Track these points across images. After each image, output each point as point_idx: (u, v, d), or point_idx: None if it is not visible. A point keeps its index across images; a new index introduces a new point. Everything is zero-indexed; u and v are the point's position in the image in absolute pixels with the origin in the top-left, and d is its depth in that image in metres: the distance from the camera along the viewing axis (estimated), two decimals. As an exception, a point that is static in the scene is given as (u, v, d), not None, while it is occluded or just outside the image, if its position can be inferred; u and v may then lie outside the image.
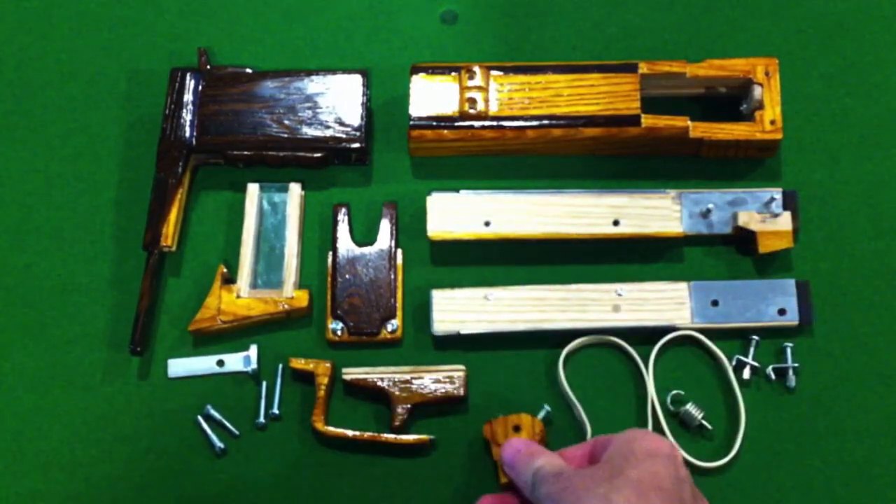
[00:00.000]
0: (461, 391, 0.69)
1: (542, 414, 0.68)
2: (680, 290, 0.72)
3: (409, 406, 0.69)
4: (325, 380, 0.69)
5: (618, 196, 0.73)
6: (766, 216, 0.72)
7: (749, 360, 0.71)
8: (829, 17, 0.81)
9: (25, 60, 0.81)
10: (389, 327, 0.72)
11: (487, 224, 0.73)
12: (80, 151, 0.78)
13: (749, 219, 0.72)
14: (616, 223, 0.73)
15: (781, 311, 0.71)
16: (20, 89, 0.80)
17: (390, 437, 0.69)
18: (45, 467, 0.69)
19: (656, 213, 0.73)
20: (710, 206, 0.73)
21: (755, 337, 0.71)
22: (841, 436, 0.70)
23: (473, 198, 0.74)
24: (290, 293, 0.72)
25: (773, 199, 0.73)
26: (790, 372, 0.71)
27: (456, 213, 0.73)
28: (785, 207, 0.73)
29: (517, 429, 0.67)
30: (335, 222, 0.74)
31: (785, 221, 0.73)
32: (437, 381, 0.70)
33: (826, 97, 0.79)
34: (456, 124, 0.75)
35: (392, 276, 0.73)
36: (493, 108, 0.75)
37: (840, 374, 0.71)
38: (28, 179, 0.77)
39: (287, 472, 0.69)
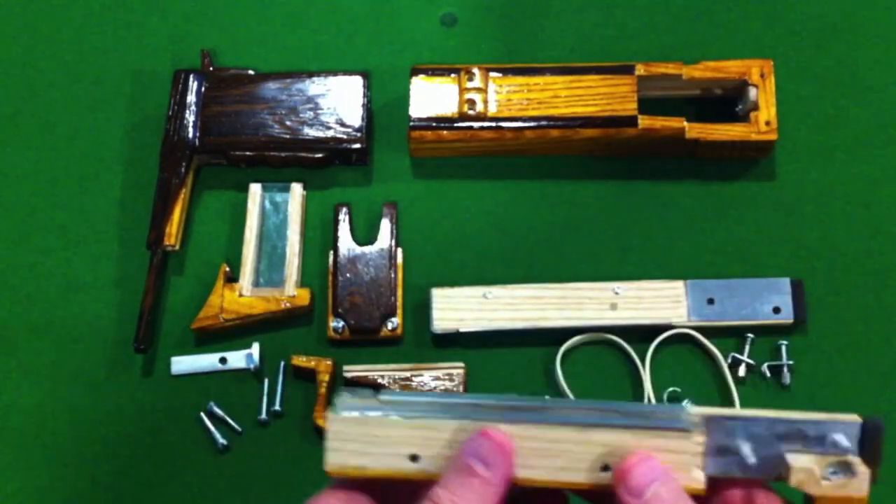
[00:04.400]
0: (460, 388, 0.70)
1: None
2: (676, 288, 0.72)
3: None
4: (327, 377, 0.70)
5: (618, 432, 0.45)
6: (830, 468, 0.45)
7: (744, 357, 0.71)
8: (823, 20, 0.82)
9: (31, 62, 0.81)
10: (390, 325, 0.72)
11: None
12: (84, 152, 0.79)
13: (807, 476, 0.44)
14: (606, 468, 0.46)
15: (776, 310, 0.72)
16: (26, 91, 0.80)
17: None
18: (49, 463, 0.70)
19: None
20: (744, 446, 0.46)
21: (750, 335, 0.72)
22: (835, 432, 0.70)
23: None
24: (292, 292, 0.73)
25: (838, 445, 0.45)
26: (785, 369, 0.71)
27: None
28: (862, 449, 0.45)
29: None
30: (336, 222, 0.75)
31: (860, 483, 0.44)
32: (437, 378, 0.70)
33: (820, 98, 0.79)
34: (455, 125, 0.76)
35: (392, 275, 0.73)
36: (492, 110, 0.76)
37: (834, 372, 0.72)
38: (33, 179, 0.78)
39: (289, 468, 0.70)
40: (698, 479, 0.44)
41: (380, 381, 0.70)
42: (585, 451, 0.44)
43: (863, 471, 0.44)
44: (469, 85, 0.76)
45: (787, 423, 0.44)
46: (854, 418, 0.44)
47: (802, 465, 0.44)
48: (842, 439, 0.44)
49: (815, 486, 0.44)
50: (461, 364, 0.71)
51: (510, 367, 0.72)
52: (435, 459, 0.44)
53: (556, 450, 0.44)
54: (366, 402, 0.44)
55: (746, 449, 0.44)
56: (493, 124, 0.75)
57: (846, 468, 0.44)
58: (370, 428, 0.44)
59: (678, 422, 0.44)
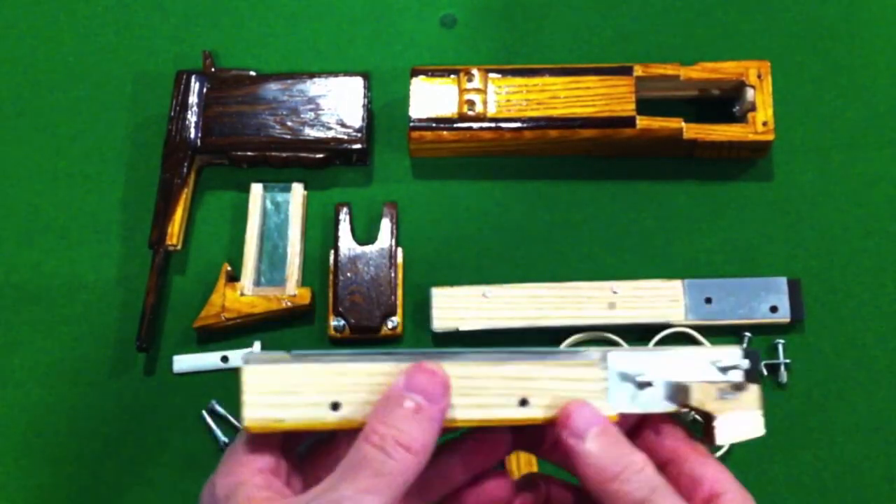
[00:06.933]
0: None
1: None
2: (674, 287, 0.73)
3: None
4: (327, 375, 0.70)
5: (527, 364, 0.47)
6: (724, 389, 0.49)
7: (741, 356, 0.72)
8: (820, 21, 0.82)
9: (34, 64, 0.82)
10: (390, 324, 0.73)
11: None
12: (87, 152, 0.79)
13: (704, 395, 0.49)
14: (524, 402, 0.48)
15: (773, 309, 0.72)
16: (29, 92, 0.81)
17: (391, 431, 0.70)
18: (51, 461, 0.70)
19: None
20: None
21: (747, 334, 0.72)
22: (832, 431, 0.71)
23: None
24: (293, 291, 0.73)
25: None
26: (782, 368, 0.72)
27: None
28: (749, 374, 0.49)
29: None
30: (337, 221, 0.75)
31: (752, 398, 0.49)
32: (437, 376, 0.70)
33: (817, 99, 0.80)
34: (455, 126, 0.76)
35: (392, 274, 0.74)
36: (492, 110, 0.76)
37: (831, 370, 0.72)
38: (37, 179, 0.78)
39: (290, 465, 0.70)
40: (606, 408, 0.47)
41: (380, 379, 0.70)
42: (500, 386, 0.46)
43: (754, 388, 0.49)
44: (468, 86, 0.76)
45: (682, 355, 0.49)
46: (734, 347, 0.49)
47: (700, 385, 0.48)
48: (731, 362, 0.49)
49: (712, 403, 0.48)
50: (461, 362, 0.71)
51: (509, 365, 0.72)
52: (358, 406, 0.43)
53: (472, 386, 0.45)
54: (278, 357, 0.44)
55: (647, 380, 0.48)
56: (493, 125, 0.76)
57: (737, 387, 0.48)
58: (287, 377, 0.43)
59: (582, 356, 0.47)
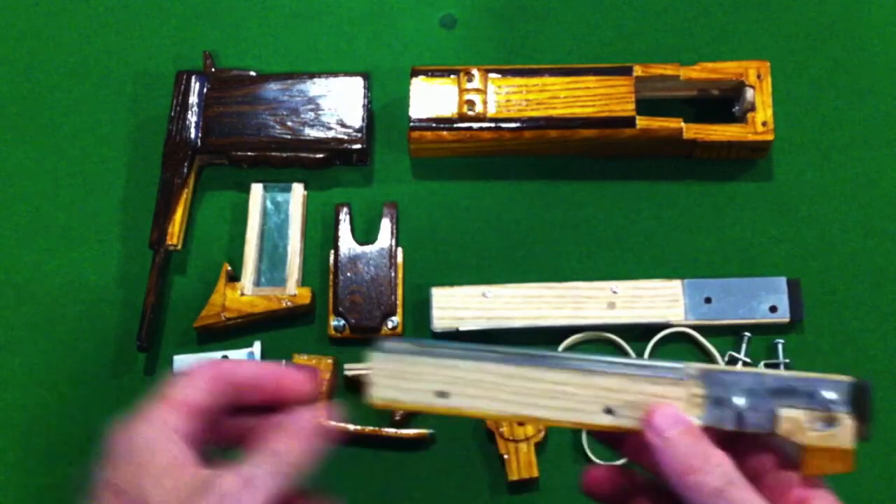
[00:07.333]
0: (460, 386, 0.70)
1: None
2: (674, 287, 0.73)
3: (409, 401, 0.70)
4: (328, 375, 0.70)
5: (616, 379, 0.49)
6: (817, 421, 0.47)
7: (741, 356, 0.72)
8: (819, 21, 0.82)
9: (35, 64, 0.82)
10: (390, 324, 0.73)
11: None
12: (87, 152, 0.79)
13: (793, 426, 0.47)
14: (609, 411, 0.49)
15: (773, 309, 0.72)
16: (30, 92, 0.81)
17: (391, 431, 0.70)
18: (52, 462, 0.70)
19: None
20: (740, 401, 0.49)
21: (747, 333, 0.72)
22: (831, 430, 0.71)
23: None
24: (293, 291, 0.73)
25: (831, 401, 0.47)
26: (781, 368, 0.72)
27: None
28: (854, 406, 0.47)
29: (521, 422, 0.68)
30: (337, 221, 0.75)
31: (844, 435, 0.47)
32: (437, 376, 0.71)
33: (817, 99, 0.80)
34: (455, 126, 0.76)
35: (392, 274, 0.74)
36: (491, 110, 0.76)
37: (830, 370, 0.71)
38: (37, 179, 0.78)
39: (290, 465, 0.70)
40: (694, 422, 0.48)
41: (380, 379, 0.70)
42: (588, 394, 0.49)
43: (848, 423, 0.46)
44: (468, 86, 0.77)
45: (780, 379, 0.48)
46: (844, 378, 0.47)
47: (791, 415, 0.47)
48: (830, 395, 0.47)
49: (801, 435, 0.47)
50: (461, 362, 0.71)
51: (509, 365, 0.72)
52: (459, 397, 0.49)
53: (561, 392, 0.49)
54: (404, 345, 0.50)
55: (740, 402, 0.47)
56: (493, 125, 0.76)
57: (832, 421, 0.47)
58: (405, 366, 0.50)
59: (675, 372, 0.48)
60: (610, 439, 0.53)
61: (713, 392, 0.48)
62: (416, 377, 0.50)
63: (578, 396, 0.49)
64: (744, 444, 0.49)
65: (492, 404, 0.49)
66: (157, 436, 0.46)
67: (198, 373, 0.49)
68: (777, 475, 0.48)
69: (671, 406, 0.48)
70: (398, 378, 0.50)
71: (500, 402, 0.49)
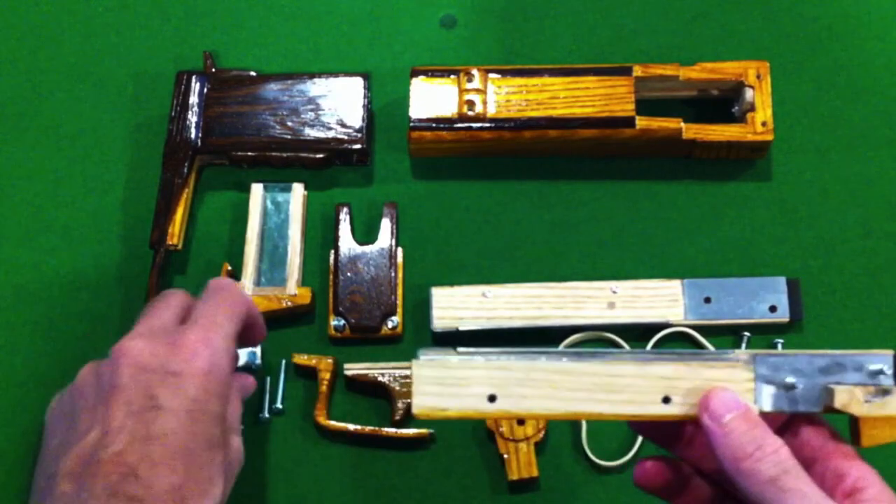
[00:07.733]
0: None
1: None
2: (673, 287, 0.73)
3: (409, 400, 0.70)
4: (328, 375, 0.71)
5: (674, 364, 0.50)
6: (871, 392, 0.50)
7: (741, 355, 0.72)
8: (819, 22, 0.82)
9: (35, 64, 0.82)
10: (390, 324, 0.73)
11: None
12: (88, 152, 0.79)
13: (849, 398, 0.50)
14: (667, 400, 0.50)
15: (772, 308, 0.73)
16: (30, 92, 0.81)
17: (391, 430, 0.70)
18: (53, 461, 0.71)
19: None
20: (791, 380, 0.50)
21: (746, 333, 0.72)
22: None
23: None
24: (293, 290, 0.73)
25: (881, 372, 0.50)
26: (781, 367, 0.72)
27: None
28: None
29: (521, 422, 0.68)
30: (337, 222, 0.75)
31: None
32: (437, 376, 0.71)
33: (816, 99, 0.80)
34: (455, 126, 0.76)
35: (392, 274, 0.74)
36: (491, 111, 0.76)
37: (829, 370, 0.73)
38: (38, 179, 0.78)
39: (290, 464, 0.70)
40: (751, 407, 0.49)
41: (380, 378, 0.70)
42: (646, 385, 0.49)
43: None
44: (468, 86, 0.77)
45: (828, 357, 0.50)
46: (888, 351, 0.50)
47: (845, 389, 0.49)
48: (878, 367, 0.50)
49: (857, 407, 0.49)
50: (461, 362, 0.71)
51: (509, 365, 0.72)
52: (509, 398, 0.49)
53: (618, 384, 0.49)
54: (445, 352, 0.49)
55: (792, 382, 0.50)
56: (493, 125, 0.76)
57: (885, 392, 0.49)
58: (452, 371, 0.49)
59: (728, 356, 0.50)
60: (659, 435, 0.53)
61: (765, 375, 0.50)
62: (462, 382, 0.49)
63: (635, 387, 0.49)
64: (796, 423, 0.51)
65: (546, 403, 0.49)
66: None
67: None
68: (831, 464, 0.49)
69: (728, 391, 0.49)
70: (442, 385, 0.49)
71: (556, 400, 0.49)
